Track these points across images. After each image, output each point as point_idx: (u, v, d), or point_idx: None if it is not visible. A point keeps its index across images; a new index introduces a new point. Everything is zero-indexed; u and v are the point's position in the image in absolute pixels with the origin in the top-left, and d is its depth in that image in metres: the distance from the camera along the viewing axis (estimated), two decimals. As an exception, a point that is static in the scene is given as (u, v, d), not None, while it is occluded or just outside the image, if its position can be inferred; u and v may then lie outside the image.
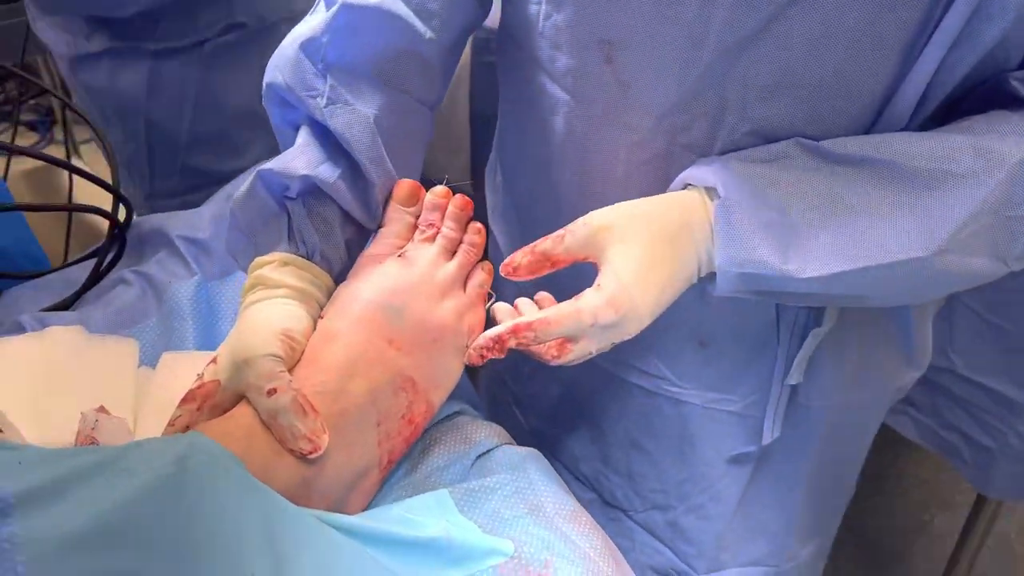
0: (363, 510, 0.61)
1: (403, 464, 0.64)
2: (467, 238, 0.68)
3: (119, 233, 0.83)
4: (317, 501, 0.56)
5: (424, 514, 0.57)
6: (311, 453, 0.55)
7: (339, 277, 0.67)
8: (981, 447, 1.14)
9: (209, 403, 0.58)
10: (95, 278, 0.80)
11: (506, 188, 0.89)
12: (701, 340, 0.78)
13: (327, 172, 0.66)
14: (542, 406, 0.98)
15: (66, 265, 0.85)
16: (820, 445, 0.83)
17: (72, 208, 0.85)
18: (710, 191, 0.62)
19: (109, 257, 0.82)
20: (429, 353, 0.63)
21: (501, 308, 0.65)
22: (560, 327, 0.60)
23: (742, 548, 0.89)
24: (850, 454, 0.91)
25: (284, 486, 0.54)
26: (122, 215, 0.84)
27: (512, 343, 0.61)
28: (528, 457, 0.66)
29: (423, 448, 0.66)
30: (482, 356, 0.62)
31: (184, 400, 0.58)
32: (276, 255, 0.64)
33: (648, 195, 0.63)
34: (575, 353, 0.61)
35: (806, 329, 0.74)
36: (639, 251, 0.60)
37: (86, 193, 0.91)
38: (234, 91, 1.12)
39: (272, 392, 0.56)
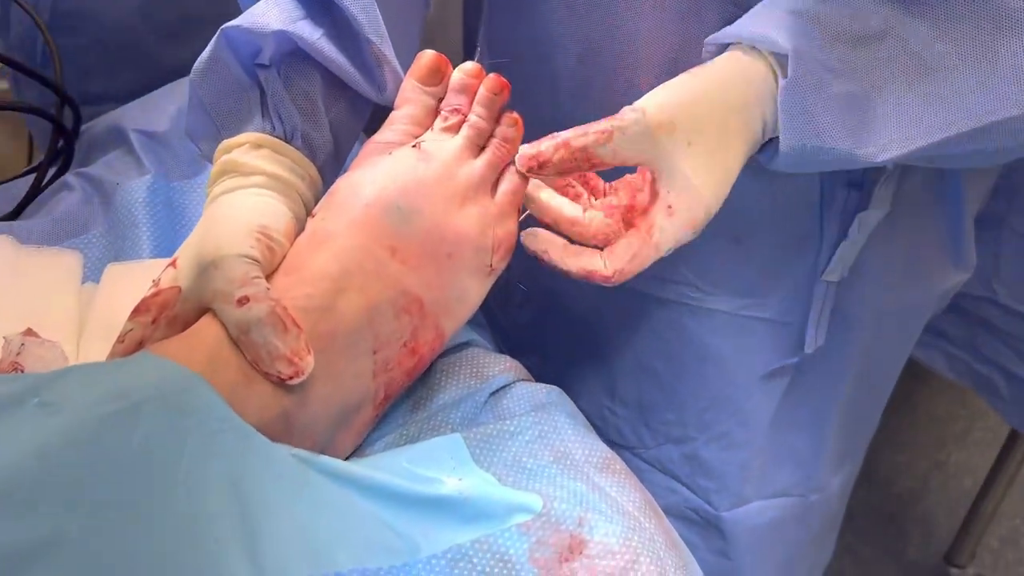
0: (354, 450, 0.50)
1: (405, 400, 0.54)
2: (500, 131, 0.55)
3: (64, 139, 0.71)
4: (298, 440, 0.46)
5: (433, 464, 0.47)
6: (292, 378, 0.45)
7: (324, 170, 0.56)
8: (1021, 382, 1.06)
9: (166, 315, 0.47)
10: (35, 192, 0.67)
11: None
12: (736, 235, 0.68)
13: (307, 29, 0.53)
14: (536, 338, 0.88)
15: (5, 181, 0.72)
16: (860, 357, 0.75)
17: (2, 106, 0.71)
18: (775, 56, 0.52)
19: (52, 171, 0.69)
20: (441, 270, 0.51)
21: (540, 236, 0.55)
22: (639, 266, 0.53)
23: (768, 478, 0.81)
24: (888, 369, 0.84)
25: (258, 420, 0.44)
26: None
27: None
28: (551, 395, 0.56)
29: (428, 381, 0.55)
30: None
31: (136, 311, 0.47)
32: (248, 135, 0.53)
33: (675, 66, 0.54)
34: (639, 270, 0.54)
35: (848, 219, 0.66)
36: (709, 157, 0.51)
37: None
38: None
39: (244, 301, 0.45)
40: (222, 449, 0.39)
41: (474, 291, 0.53)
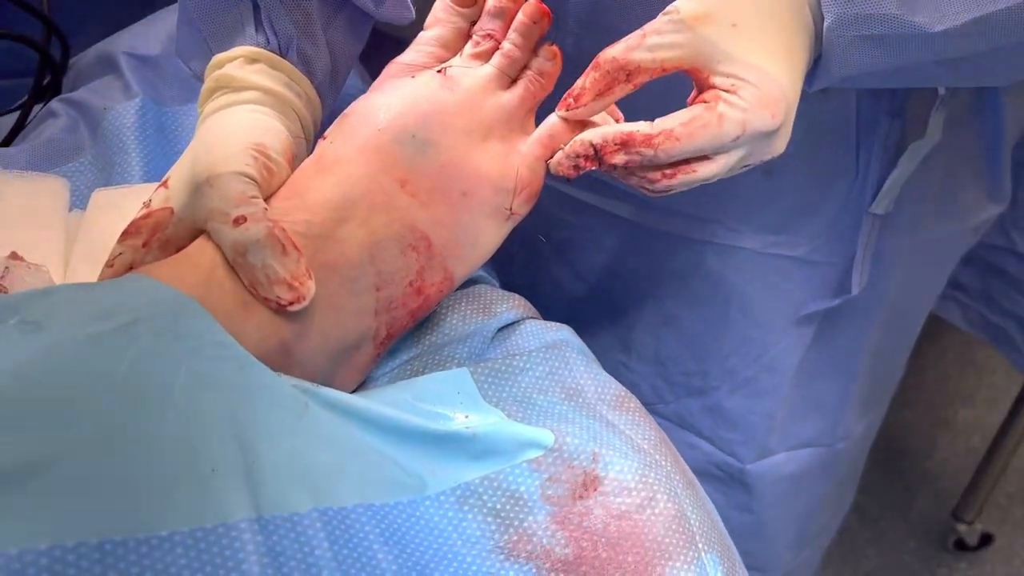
0: (355, 388, 0.48)
1: (410, 334, 0.51)
2: (535, 63, 0.50)
3: (52, 71, 0.67)
4: (297, 373, 0.44)
5: (439, 400, 0.45)
6: (292, 304, 0.42)
7: (321, 91, 0.53)
8: (1039, 334, 1.04)
9: (158, 237, 0.45)
10: (21, 125, 0.64)
11: None
12: (766, 167, 0.65)
13: None
14: (539, 298, 0.84)
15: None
16: (893, 298, 0.73)
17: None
18: None
19: (40, 106, 0.66)
20: (455, 208, 0.48)
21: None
22: (693, 143, 0.44)
23: (795, 426, 0.79)
24: (919, 309, 0.81)
25: (256, 350, 0.41)
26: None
27: (616, 159, 0.45)
28: (561, 333, 0.53)
29: (433, 316, 0.53)
30: (576, 167, 0.47)
31: (126, 233, 0.45)
32: (241, 49, 0.50)
33: None
34: (694, 178, 0.47)
35: (891, 148, 0.62)
36: (764, 38, 0.45)
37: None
38: None
39: (241, 221, 0.42)
40: (218, 377, 0.36)
41: (490, 235, 0.49)
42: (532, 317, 0.55)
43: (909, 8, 0.46)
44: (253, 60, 0.50)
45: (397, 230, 0.46)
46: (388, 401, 0.44)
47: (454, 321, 0.52)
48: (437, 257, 0.48)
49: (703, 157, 0.46)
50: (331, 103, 0.55)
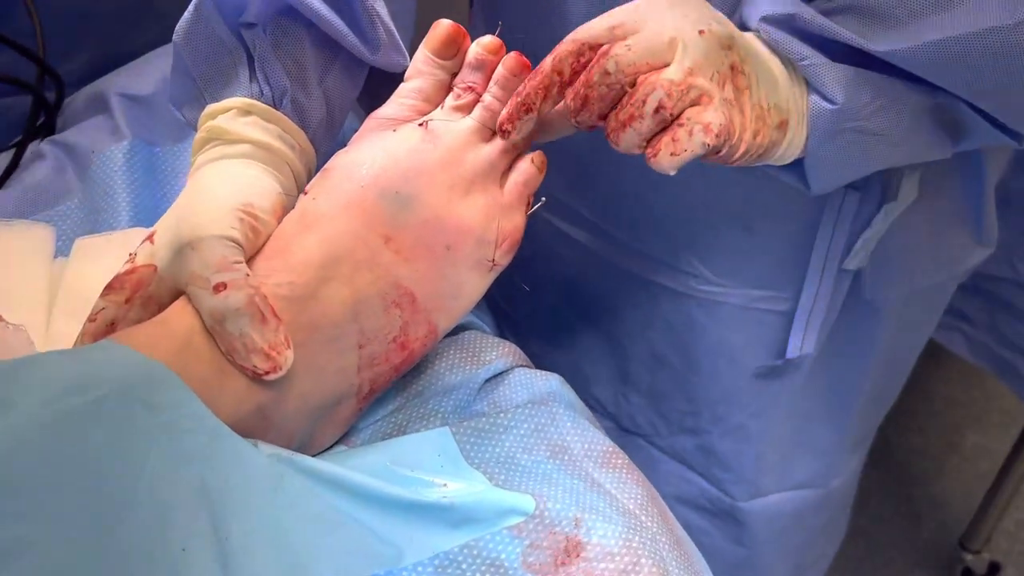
0: (335, 440, 0.48)
1: (396, 384, 0.51)
2: None
3: (46, 113, 0.67)
4: (275, 436, 0.43)
5: (419, 463, 0.44)
6: (268, 373, 0.42)
7: (316, 140, 0.52)
8: (1044, 366, 1.02)
9: (141, 294, 0.44)
10: (13, 168, 0.63)
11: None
12: (745, 224, 0.65)
13: None
14: (542, 326, 0.85)
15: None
16: (885, 344, 0.73)
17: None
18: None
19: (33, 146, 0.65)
20: (438, 263, 0.48)
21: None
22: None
23: (788, 469, 0.79)
24: (912, 351, 0.81)
25: (232, 416, 0.41)
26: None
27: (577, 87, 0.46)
28: (550, 384, 0.52)
29: (421, 365, 0.52)
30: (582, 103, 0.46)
31: (109, 288, 0.44)
32: (234, 100, 0.50)
33: None
34: (698, 120, 0.45)
35: (870, 204, 0.62)
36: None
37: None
38: None
39: (221, 288, 0.41)
40: (191, 450, 0.36)
41: (473, 286, 0.49)
42: (522, 365, 0.55)
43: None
44: (246, 112, 0.49)
45: (381, 287, 0.46)
46: (366, 466, 0.43)
47: (441, 370, 0.52)
48: (421, 312, 0.47)
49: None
50: (326, 150, 0.55)
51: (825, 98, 0.49)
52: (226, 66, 0.51)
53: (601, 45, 0.45)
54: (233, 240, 0.43)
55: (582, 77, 0.45)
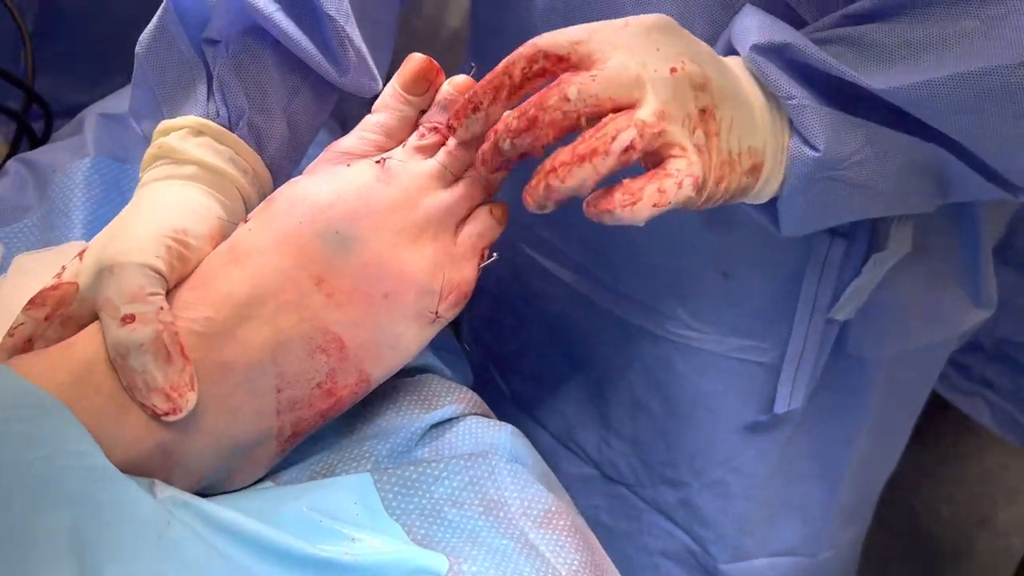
0: (256, 479, 0.45)
1: (337, 420, 0.48)
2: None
3: (31, 142, 0.67)
4: (181, 475, 0.41)
5: (335, 510, 0.41)
6: (167, 415, 0.40)
7: (275, 164, 0.51)
8: (1073, 439, 0.97)
9: (62, 312, 0.43)
10: None
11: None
12: (723, 270, 0.62)
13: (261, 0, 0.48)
14: (527, 364, 0.82)
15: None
16: (876, 404, 0.69)
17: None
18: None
19: None
20: (374, 311, 0.45)
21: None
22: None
23: (772, 532, 0.75)
24: (906, 414, 0.77)
25: (130, 453, 0.39)
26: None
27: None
28: (500, 435, 0.49)
29: (365, 403, 0.50)
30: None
31: (32, 303, 0.43)
32: (188, 119, 0.48)
33: None
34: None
35: (856, 255, 0.59)
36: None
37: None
38: None
39: (129, 320, 0.40)
40: (67, 490, 0.34)
41: (411, 338, 0.46)
42: (477, 414, 0.52)
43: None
44: (199, 132, 0.48)
45: (305, 331, 0.43)
46: (281, 510, 0.41)
47: (383, 411, 0.50)
48: (351, 360, 0.45)
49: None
50: (289, 173, 0.53)
51: (807, 143, 0.46)
52: (185, 82, 0.49)
53: (560, 57, 0.42)
54: (154, 269, 0.41)
55: (534, 98, 0.42)
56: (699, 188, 0.42)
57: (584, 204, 0.42)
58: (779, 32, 0.47)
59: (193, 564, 0.35)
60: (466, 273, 0.47)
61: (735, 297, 0.64)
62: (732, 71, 0.46)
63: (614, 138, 0.40)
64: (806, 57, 0.45)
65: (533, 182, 0.42)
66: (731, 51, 0.49)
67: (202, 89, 0.49)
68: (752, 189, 0.47)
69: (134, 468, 0.39)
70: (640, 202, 0.41)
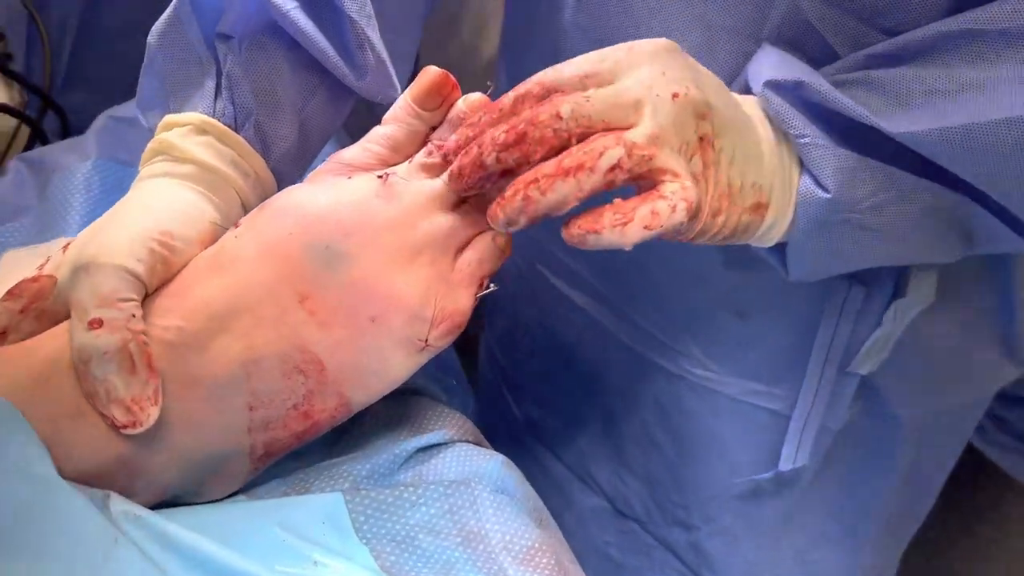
0: (228, 494, 0.44)
1: (322, 436, 0.46)
2: (491, 189, 0.45)
3: (42, 143, 0.66)
4: (143, 490, 0.40)
5: (303, 530, 0.39)
6: (126, 428, 0.38)
7: (281, 169, 0.49)
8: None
9: (37, 305, 0.41)
10: None
11: None
12: (739, 310, 0.59)
13: None
14: (542, 389, 0.80)
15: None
16: (904, 465, 0.66)
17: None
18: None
19: None
20: (359, 333, 0.42)
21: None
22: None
23: None
24: (932, 473, 0.73)
25: (87, 463, 0.38)
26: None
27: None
28: (489, 465, 0.47)
29: (354, 421, 0.47)
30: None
31: (9, 293, 0.41)
32: (193, 116, 0.46)
33: None
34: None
35: (878, 301, 0.55)
36: None
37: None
38: None
39: (96, 325, 0.38)
40: (7, 503, 0.32)
41: (397, 365, 0.44)
42: (468, 441, 0.50)
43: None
44: (203, 130, 0.46)
45: (283, 349, 0.41)
46: (243, 527, 0.39)
47: (366, 430, 0.48)
48: (331, 383, 0.42)
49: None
50: (295, 180, 0.51)
51: (819, 183, 0.44)
52: (194, 76, 0.48)
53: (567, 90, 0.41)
54: (131, 273, 0.39)
55: (527, 113, 0.40)
56: (693, 215, 0.40)
57: (565, 225, 0.40)
58: (794, 70, 0.45)
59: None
60: (461, 302, 0.44)
61: (750, 339, 0.61)
62: (741, 105, 0.44)
63: (601, 154, 0.38)
64: (821, 97, 0.43)
65: (509, 193, 0.40)
66: (748, 90, 0.47)
67: (210, 85, 0.48)
68: (756, 228, 0.45)
69: (92, 479, 0.38)
70: (631, 223, 0.39)
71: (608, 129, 0.39)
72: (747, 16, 0.48)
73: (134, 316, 0.39)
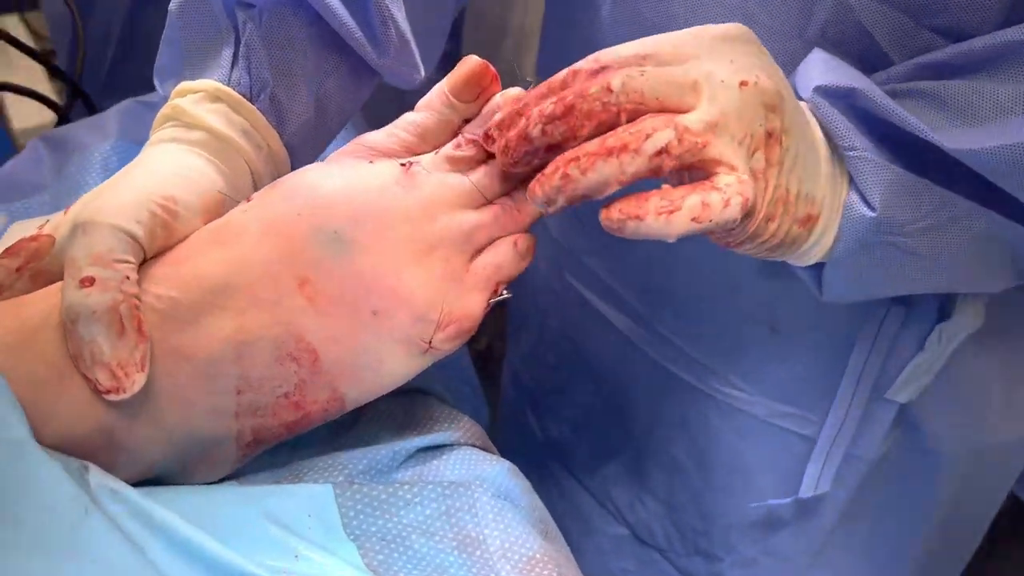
0: (217, 479, 0.42)
1: (320, 426, 0.44)
2: (518, 192, 0.43)
3: None
4: (126, 464, 0.38)
5: (286, 522, 0.37)
6: (109, 393, 0.36)
7: (294, 144, 0.47)
8: None
9: (34, 265, 0.39)
10: None
11: None
12: (771, 322, 0.55)
13: None
14: (564, 407, 0.77)
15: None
16: (948, 503, 0.62)
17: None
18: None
19: None
20: (358, 326, 0.40)
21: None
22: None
23: None
24: (978, 515, 0.68)
25: (69, 431, 0.36)
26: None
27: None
28: (493, 470, 0.44)
29: (355, 415, 0.46)
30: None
31: (7, 252, 0.40)
32: (206, 83, 0.45)
33: None
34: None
35: (916, 324, 0.52)
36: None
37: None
38: None
39: (87, 283, 0.36)
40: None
41: (396, 365, 0.41)
42: (474, 445, 0.47)
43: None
44: (215, 98, 0.44)
45: (277, 334, 0.39)
46: (227, 513, 0.37)
47: (368, 423, 0.46)
48: (323, 375, 0.40)
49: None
50: (310, 159, 0.49)
51: (865, 200, 0.41)
52: (212, 44, 0.46)
53: None
54: (130, 234, 0.38)
55: (576, 86, 0.38)
56: (748, 213, 0.37)
57: (604, 208, 0.37)
58: (846, 76, 0.42)
59: (102, 560, 0.32)
60: (472, 306, 0.41)
61: (781, 355, 0.58)
62: (802, 108, 0.41)
63: (649, 136, 0.35)
64: (875, 106, 0.40)
65: (549, 170, 0.37)
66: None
67: (227, 54, 0.46)
68: (803, 243, 0.42)
69: (73, 447, 0.36)
70: (678, 212, 0.35)
71: (662, 109, 0.37)
72: (791, 13, 0.46)
73: (128, 279, 0.37)
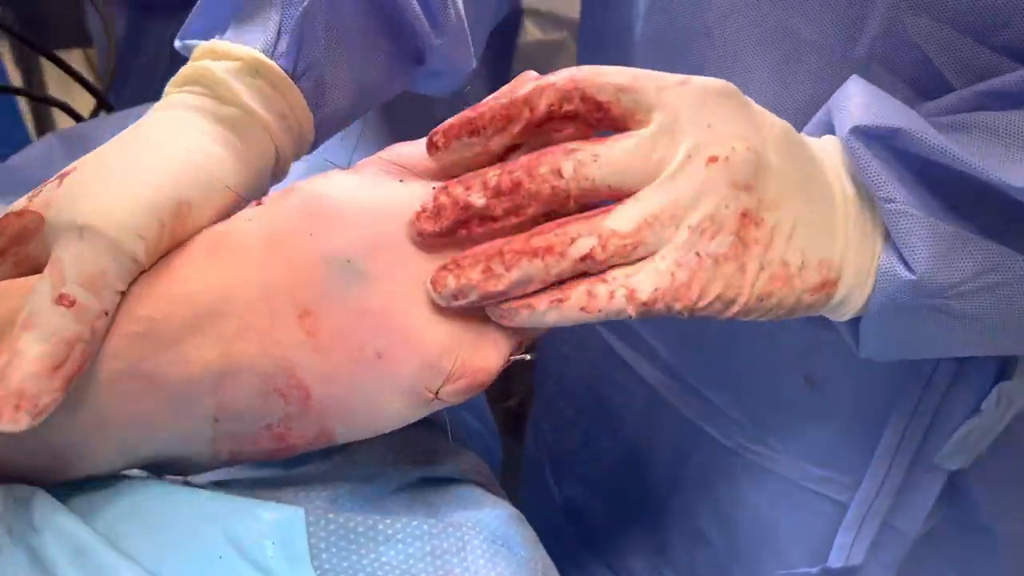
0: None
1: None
2: None
3: None
4: (90, 469, 0.35)
5: (247, 546, 0.34)
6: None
7: (321, 123, 0.43)
8: None
9: (19, 250, 0.35)
10: None
11: None
12: (807, 374, 0.51)
13: None
14: (582, 465, 0.72)
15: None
16: None
17: (22, 93, 0.66)
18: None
19: None
20: (359, 367, 0.35)
21: None
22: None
23: None
24: None
25: (19, 444, 0.33)
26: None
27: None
28: (494, 511, 0.40)
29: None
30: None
31: None
32: (246, 51, 0.39)
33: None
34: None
35: (969, 381, 0.46)
36: None
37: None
38: None
39: (66, 303, 0.32)
40: None
41: (394, 412, 0.36)
42: (478, 483, 0.43)
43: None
44: (255, 71, 0.39)
45: (265, 366, 0.35)
46: (182, 527, 0.33)
47: (369, 448, 0.42)
48: (314, 412, 0.36)
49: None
50: (327, 137, 0.45)
51: (903, 260, 0.36)
52: (259, 10, 0.41)
53: (599, 104, 0.34)
54: (131, 256, 0.33)
55: (524, 159, 0.34)
56: (651, 303, 0.34)
57: None
58: (888, 111, 0.37)
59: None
60: (489, 360, 0.36)
61: (818, 411, 0.53)
62: (814, 160, 0.37)
63: (573, 241, 0.34)
64: (922, 147, 0.36)
65: (467, 260, 0.34)
66: (829, 128, 0.40)
67: (275, 19, 0.40)
68: (822, 306, 0.38)
69: (27, 459, 0.34)
70: (567, 303, 0.34)
71: (614, 195, 0.34)
72: (836, 27, 0.42)
73: (106, 315, 0.33)
